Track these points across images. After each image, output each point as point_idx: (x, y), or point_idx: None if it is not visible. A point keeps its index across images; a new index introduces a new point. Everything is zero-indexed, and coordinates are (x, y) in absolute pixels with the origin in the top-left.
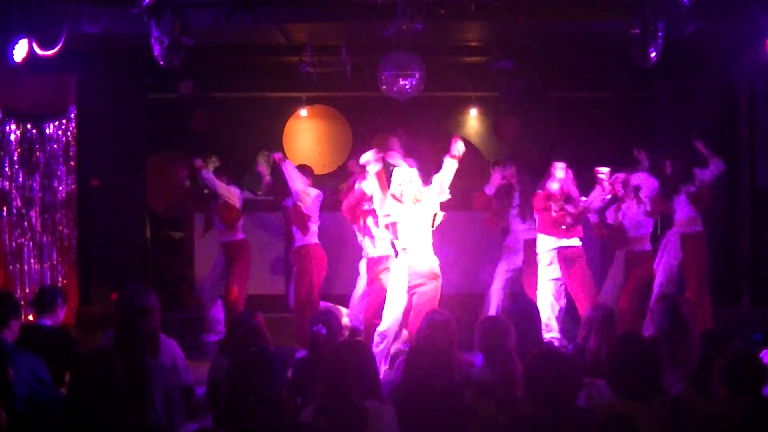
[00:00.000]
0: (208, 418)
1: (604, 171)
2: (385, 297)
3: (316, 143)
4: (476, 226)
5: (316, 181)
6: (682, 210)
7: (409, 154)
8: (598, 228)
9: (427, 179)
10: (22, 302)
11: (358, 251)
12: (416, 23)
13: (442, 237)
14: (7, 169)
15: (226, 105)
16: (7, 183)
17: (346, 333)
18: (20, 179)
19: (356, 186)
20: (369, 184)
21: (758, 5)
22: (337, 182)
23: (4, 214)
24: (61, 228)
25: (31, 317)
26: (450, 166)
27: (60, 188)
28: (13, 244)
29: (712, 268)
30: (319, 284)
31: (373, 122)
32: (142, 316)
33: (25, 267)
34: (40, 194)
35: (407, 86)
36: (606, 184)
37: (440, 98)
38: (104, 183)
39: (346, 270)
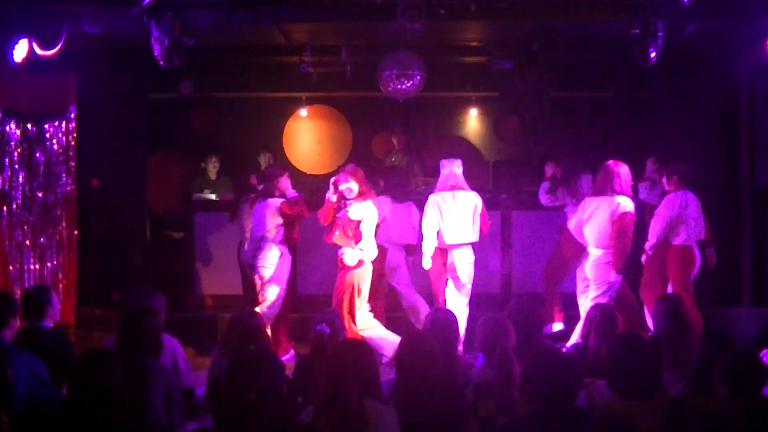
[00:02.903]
0: (208, 418)
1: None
2: None
3: (316, 143)
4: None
5: (317, 180)
6: None
7: (409, 153)
8: None
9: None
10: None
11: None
12: (416, 23)
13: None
14: (7, 169)
15: (226, 105)
16: (7, 183)
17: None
18: (20, 179)
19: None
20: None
21: (758, 5)
22: None
23: (4, 214)
24: (61, 228)
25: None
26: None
27: (60, 188)
28: (13, 244)
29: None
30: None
31: (373, 122)
32: (145, 317)
33: (25, 267)
34: (40, 194)
35: (407, 86)
36: None
37: (440, 98)
38: (104, 183)
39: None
